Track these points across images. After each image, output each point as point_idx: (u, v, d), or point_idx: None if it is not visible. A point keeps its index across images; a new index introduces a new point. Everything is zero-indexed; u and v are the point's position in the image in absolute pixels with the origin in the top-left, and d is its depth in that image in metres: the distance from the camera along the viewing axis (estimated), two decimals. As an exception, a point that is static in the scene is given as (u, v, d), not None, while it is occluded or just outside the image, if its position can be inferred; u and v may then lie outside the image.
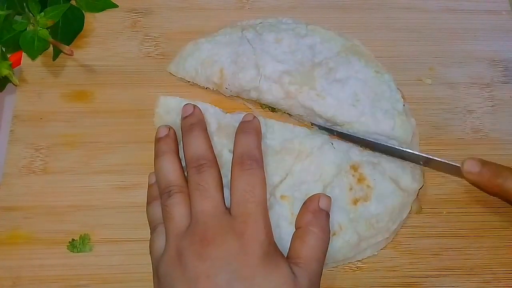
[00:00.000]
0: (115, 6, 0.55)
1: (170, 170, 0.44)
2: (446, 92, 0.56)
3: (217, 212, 0.40)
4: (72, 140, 0.52)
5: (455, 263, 0.48)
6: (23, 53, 0.54)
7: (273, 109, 0.54)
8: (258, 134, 0.46)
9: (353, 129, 0.51)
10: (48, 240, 0.47)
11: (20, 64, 0.55)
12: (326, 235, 0.41)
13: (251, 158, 0.43)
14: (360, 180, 0.48)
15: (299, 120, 0.53)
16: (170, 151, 0.45)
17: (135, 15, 0.59)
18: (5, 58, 0.51)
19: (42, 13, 0.52)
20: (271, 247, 0.40)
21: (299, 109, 0.52)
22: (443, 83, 0.57)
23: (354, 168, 0.49)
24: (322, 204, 0.43)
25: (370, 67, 0.54)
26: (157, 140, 0.46)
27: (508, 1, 0.62)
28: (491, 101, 0.56)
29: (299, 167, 0.48)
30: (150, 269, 0.42)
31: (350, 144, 0.50)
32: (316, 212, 0.42)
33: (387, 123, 0.51)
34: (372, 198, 0.47)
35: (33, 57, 0.51)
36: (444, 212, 0.50)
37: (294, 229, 0.43)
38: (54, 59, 0.54)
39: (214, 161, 0.43)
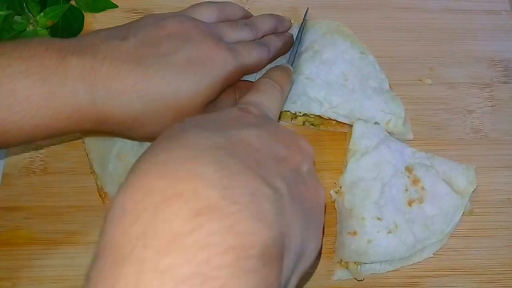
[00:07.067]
0: (115, 6, 0.56)
1: None
2: (446, 92, 0.56)
3: None
4: (72, 140, 0.52)
5: (455, 263, 0.48)
6: (23, 53, 0.54)
7: None
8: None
9: (345, 108, 0.51)
10: (48, 241, 0.47)
11: (20, 64, 0.55)
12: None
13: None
14: (415, 182, 0.47)
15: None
16: None
17: (135, 15, 0.59)
18: (5, 59, 0.51)
19: (42, 14, 0.52)
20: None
21: (292, 97, 0.52)
22: (443, 83, 0.57)
23: (409, 169, 0.48)
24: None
25: (355, 48, 0.54)
26: None
27: (508, 1, 0.62)
28: (491, 101, 0.56)
29: (355, 165, 0.48)
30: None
31: (404, 145, 0.50)
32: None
33: (379, 98, 0.51)
34: (427, 200, 0.47)
35: (33, 57, 0.51)
36: (444, 212, 0.50)
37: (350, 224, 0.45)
38: (54, 59, 0.54)
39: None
